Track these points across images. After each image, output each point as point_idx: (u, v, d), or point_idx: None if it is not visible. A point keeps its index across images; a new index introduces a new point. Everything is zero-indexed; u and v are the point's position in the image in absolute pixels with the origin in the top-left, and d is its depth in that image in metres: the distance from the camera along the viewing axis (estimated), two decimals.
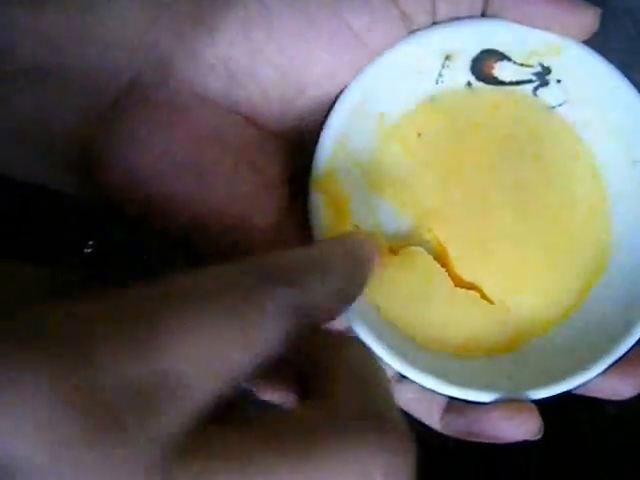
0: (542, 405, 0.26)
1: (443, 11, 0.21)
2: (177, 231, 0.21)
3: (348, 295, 0.17)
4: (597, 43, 0.57)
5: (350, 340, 0.18)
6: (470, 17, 0.22)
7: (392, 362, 0.20)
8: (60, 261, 0.38)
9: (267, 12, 0.19)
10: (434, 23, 0.22)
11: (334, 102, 0.21)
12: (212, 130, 0.20)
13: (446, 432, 0.22)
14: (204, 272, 0.14)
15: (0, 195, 0.23)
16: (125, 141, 0.20)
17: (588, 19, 0.21)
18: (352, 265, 0.18)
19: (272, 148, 0.21)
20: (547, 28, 0.21)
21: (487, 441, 0.21)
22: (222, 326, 0.13)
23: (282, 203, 0.22)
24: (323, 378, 0.16)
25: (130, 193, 0.20)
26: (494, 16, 0.22)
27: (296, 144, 0.22)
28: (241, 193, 0.21)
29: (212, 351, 0.13)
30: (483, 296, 0.23)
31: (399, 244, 0.22)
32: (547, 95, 0.24)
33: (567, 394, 0.21)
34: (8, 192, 0.22)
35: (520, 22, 0.22)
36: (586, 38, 0.22)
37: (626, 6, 0.57)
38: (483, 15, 0.22)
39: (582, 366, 0.21)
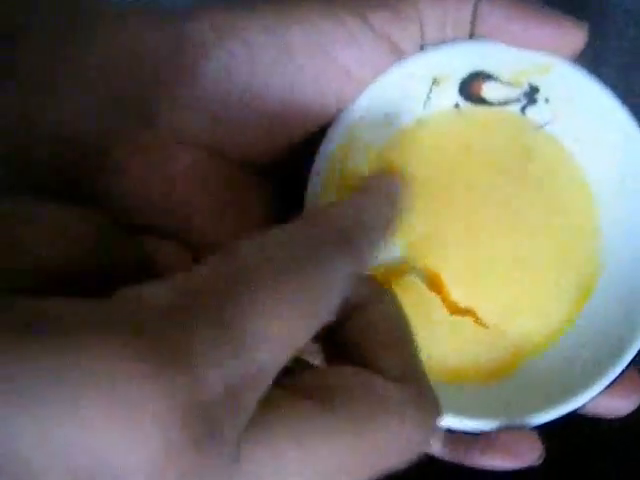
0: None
1: (431, 36, 0.20)
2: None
3: (384, 242, 0.18)
4: (597, 44, 0.57)
5: (386, 292, 0.17)
6: (458, 39, 0.22)
7: None
8: None
9: (250, 55, 0.19)
10: (422, 47, 0.22)
11: (323, 135, 0.21)
12: (196, 171, 0.20)
13: (445, 459, 0.21)
14: (270, 238, 0.14)
15: None
16: (109, 180, 0.20)
17: (577, 36, 0.21)
18: (390, 213, 0.18)
19: (256, 187, 0.21)
20: (535, 48, 0.21)
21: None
22: (296, 302, 0.13)
23: None
24: (361, 337, 0.16)
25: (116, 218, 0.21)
26: (482, 37, 0.22)
27: (281, 179, 0.22)
28: (226, 233, 0.20)
29: (288, 329, 0.13)
30: (478, 321, 0.22)
31: (392, 274, 0.22)
32: (535, 114, 0.23)
33: (567, 416, 0.20)
34: None
35: (508, 43, 0.21)
36: (576, 54, 0.22)
37: (626, 6, 0.57)
38: (471, 37, 0.22)
39: (582, 386, 0.20)
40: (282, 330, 0.13)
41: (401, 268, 0.22)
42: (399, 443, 0.14)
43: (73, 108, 0.19)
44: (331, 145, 0.21)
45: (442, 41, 0.21)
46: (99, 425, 0.10)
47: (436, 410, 0.15)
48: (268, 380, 0.13)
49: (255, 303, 0.12)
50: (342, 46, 0.19)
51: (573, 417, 0.21)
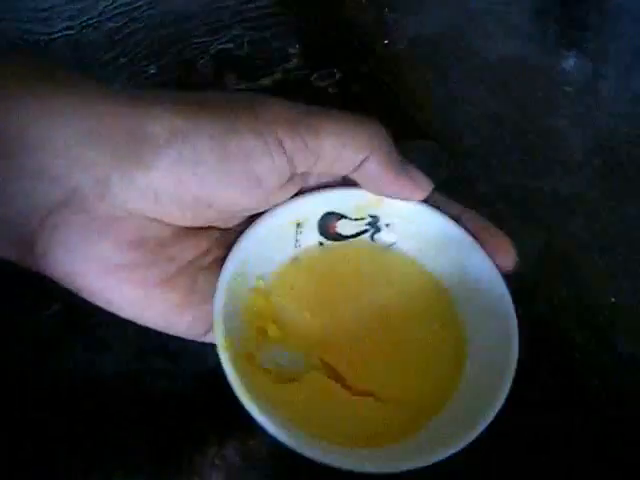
0: (541, 406, 0.26)
1: (320, 168, 0.27)
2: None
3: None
4: (598, 43, 0.57)
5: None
6: (318, 189, 0.28)
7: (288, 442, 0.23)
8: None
9: (196, 157, 0.24)
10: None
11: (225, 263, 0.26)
12: (137, 236, 0.25)
13: None
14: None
15: None
16: (61, 248, 0.24)
17: (423, 188, 0.28)
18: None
19: (187, 240, 0.27)
20: (394, 198, 0.28)
21: None
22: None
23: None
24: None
25: (63, 284, 0.25)
26: (351, 185, 0.28)
27: (209, 235, 0.28)
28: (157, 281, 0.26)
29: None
30: (378, 398, 0.27)
31: (298, 374, 0.27)
32: (382, 237, 0.30)
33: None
34: None
35: (374, 193, 0.28)
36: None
37: (626, 6, 0.57)
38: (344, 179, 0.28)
39: (471, 425, 0.24)
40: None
41: (305, 368, 0.27)
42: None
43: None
44: (226, 276, 0.26)
45: (328, 174, 0.28)
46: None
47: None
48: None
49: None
50: (260, 158, 0.25)
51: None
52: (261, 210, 0.28)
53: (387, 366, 0.28)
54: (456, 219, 0.29)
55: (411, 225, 0.29)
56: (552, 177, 0.41)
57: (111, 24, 0.57)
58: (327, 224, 0.29)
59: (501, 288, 0.27)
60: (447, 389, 0.27)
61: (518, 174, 0.41)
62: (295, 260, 0.29)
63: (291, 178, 0.26)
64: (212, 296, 0.26)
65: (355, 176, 0.27)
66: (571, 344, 0.32)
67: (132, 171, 0.23)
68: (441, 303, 0.29)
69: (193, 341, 0.33)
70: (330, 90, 0.48)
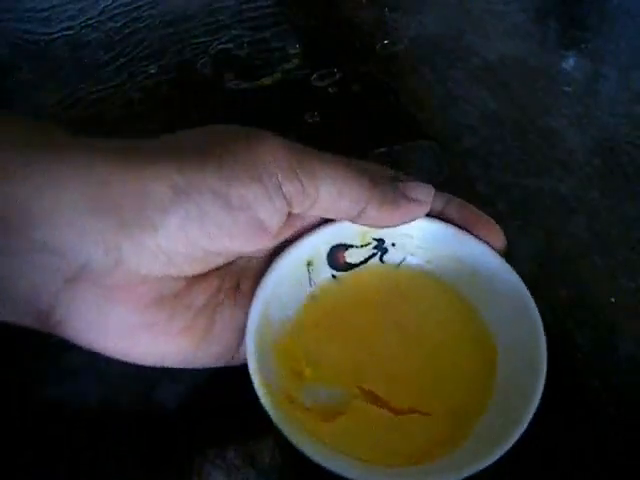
0: (541, 406, 0.26)
1: (318, 211, 0.27)
2: None
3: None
4: (598, 43, 0.57)
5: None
6: (318, 225, 0.29)
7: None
8: None
9: (202, 214, 0.24)
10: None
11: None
12: (154, 296, 0.25)
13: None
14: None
15: None
16: (78, 319, 0.25)
17: (423, 202, 0.29)
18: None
19: (199, 286, 0.27)
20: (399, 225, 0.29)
21: None
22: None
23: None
24: None
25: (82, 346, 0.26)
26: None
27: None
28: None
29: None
30: (422, 413, 0.27)
31: (341, 406, 0.27)
32: (391, 257, 0.31)
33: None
34: None
35: (373, 226, 0.29)
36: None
37: (626, 6, 0.57)
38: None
39: (511, 431, 0.25)
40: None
41: (346, 399, 0.28)
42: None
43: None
44: (254, 320, 0.27)
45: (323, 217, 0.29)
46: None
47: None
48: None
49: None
50: (262, 203, 0.25)
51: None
52: (265, 250, 0.28)
53: (422, 380, 0.28)
54: (442, 211, 0.30)
55: (414, 239, 0.31)
56: (552, 177, 0.41)
57: (111, 24, 0.57)
58: (336, 257, 0.30)
59: (518, 283, 0.29)
60: (483, 393, 0.27)
61: (518, 174, 0.41)
62: (313, 298, 0.30)
63: (289, 217, 0.27)
64: (231, 325, 0.28)
65: (354, 221, 0.28)
66: (571, 344, 0.32)
67: (141, 236, 0.23)
68: (460, 308, 0.30)
69: None
70: (330, 90, 0.48)
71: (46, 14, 0.58)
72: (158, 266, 0.24)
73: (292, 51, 0.52)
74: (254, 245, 0.26)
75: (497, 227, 0.30)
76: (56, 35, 0.56)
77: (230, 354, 0.28)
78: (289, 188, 0.25)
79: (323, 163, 0.26)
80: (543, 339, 0.27)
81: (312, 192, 0.26)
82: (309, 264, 0.30)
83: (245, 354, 0.26)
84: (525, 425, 0.25)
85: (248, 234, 0.25)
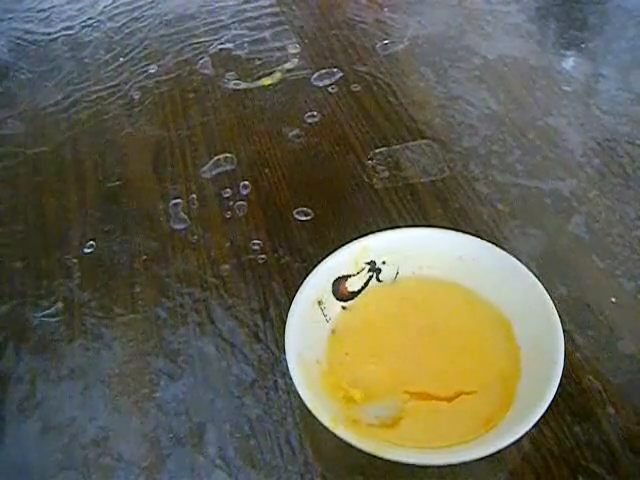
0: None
1: None
2: None
3: None
4: (598, 43, 0.57)
5: None
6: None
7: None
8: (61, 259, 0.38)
9: None
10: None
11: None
12: None
13: None
14: None
15: None
16: None
17: None
18: None
19: None
20: None
21: None
22: None
23: None
24: None
25: None
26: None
27: None
28: None
29: None
30: (467, 393, 0.30)
31: (399, 412, 0.30)
32: (386, 274, 0.35)
33: None
34: None
35: None
36: None
37: (626, 6, 0.57)
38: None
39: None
40: None
41: (401, 405, 0.30)
42: None
43: None
44: (296, 373, 0.29)
45: None
46: None
47: None
48: None
49: None
50: None
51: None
52: None
53: (458, 367, 0.31)
54: None
55: (398, 253, 0.34)
56: (552, 177, 0.41)
57: (111, 24, 0.57)
58: (339, 289, 0.34)
59: (506, 257, 0.32)
60: (512, 363, 0.30)
61: (518, 174, 0.41)
62: (334, 333, 0.32)
63: None
64: None
65: None
66: (571, 344, 0.32)
67: None
68: (462, 294, 0.33)
69: (193, 341, 0.33)
70: (330, 90, 0.48)
71: (46, 14, 0.58)
72: None
73: (292, 51, 0.52)
74: None
75: None
76: (56, 35, 0.56)
77: None
78: None
79: None
80: (552, 307, 0.30)
81: None
82: (320, 303, 0.33)
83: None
84: (556, 384, 0.27)
85: None
